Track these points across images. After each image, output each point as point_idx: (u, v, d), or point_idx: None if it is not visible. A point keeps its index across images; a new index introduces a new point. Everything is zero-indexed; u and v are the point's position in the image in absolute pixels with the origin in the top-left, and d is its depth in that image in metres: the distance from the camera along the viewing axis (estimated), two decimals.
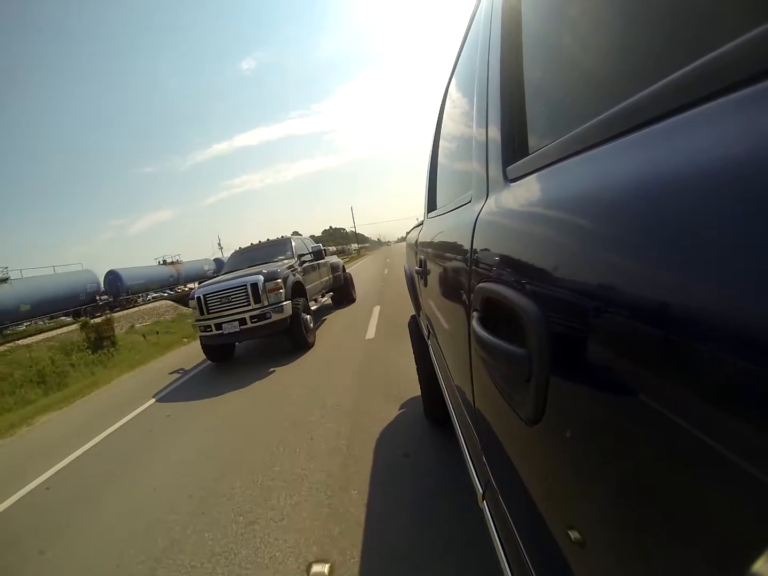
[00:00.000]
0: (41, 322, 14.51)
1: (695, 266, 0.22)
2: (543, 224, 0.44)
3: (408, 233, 2.76)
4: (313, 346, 4.90)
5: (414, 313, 2.43)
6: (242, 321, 4.53)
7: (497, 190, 0.63)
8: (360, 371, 3.65)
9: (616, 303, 0.29)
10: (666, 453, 0.24)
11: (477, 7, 0.92)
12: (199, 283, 5.91)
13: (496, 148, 0.65)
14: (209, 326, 4.68)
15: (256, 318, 4.49)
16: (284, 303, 4.59)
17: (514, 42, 0.62)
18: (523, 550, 0.51)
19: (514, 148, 0.59)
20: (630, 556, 0.30)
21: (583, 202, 0.35)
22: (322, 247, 6.40)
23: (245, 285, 4.56)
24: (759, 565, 0.18)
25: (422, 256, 1.60)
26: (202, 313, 4.73)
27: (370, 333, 4.89)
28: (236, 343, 5.20)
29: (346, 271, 8.05)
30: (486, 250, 0.63)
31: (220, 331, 4.61)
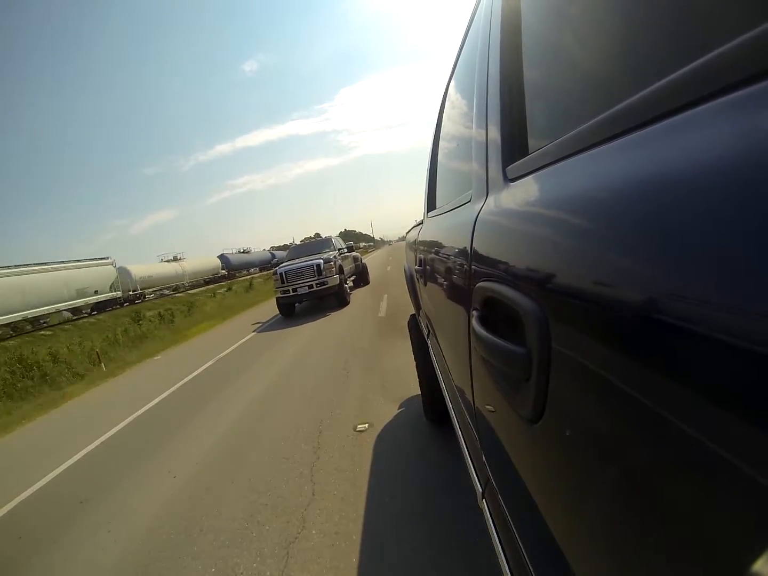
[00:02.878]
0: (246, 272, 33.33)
1: (695, 266, 0.22)
2: (543, 224, 0.44)
3: (407, 233, 2.76)
4: (349, 303, 8.08)
5: (413, 312, 2.43)
6: (310, 286, 7.64)
7: (497, 189, 0.63)
8: (378, 312, 6.53)
9: (616, 302, 0.29)
10: (666, 453, 0.25)
11: (477, 7, 0.92)
12: (276, 265, 9.13)
13: (495, 147, 0.65)
14: (287, 290, 7.80)
15: (319, 284, 7.64)
16: (335, 276, 7.77)
17: (514, 42, 0.62)
18: (522, 549, 0.51)
19: (513, 147, 0.59)
20: (630, 555, 0.30)
21: (582, 201, 0.35)
22: (351, 244, 10.37)
23: (312, 265, 7.71)
24: (759, 565, 0.18)
25: (422, 256, 1.60)
26: (282, 283, 7.84)
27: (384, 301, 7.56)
28: (296, 304, 8.35)
29: (363, 261, 11.45)
30: (486, 249, 0.63)
31: (296, 293, 7.73)
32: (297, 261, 8.23)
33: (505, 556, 0.58)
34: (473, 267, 0.68)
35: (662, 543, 0.26)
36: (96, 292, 17.08)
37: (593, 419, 0.33)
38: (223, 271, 28.40)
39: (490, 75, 0.71)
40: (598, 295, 0.31)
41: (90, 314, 16.74)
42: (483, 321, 0.57)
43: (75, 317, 16.03)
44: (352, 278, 9.84)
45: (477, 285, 0.63)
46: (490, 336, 0.52)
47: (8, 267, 13.88)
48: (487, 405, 0.66)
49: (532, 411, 0.41)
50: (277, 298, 8.06)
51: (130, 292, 19.71)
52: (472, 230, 0.71)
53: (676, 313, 0.23)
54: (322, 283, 7.57)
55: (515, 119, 0.60)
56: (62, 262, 16.12)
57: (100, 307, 17.46)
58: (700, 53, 0.23)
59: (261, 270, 33.70)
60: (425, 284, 1.53)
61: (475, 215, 0.71)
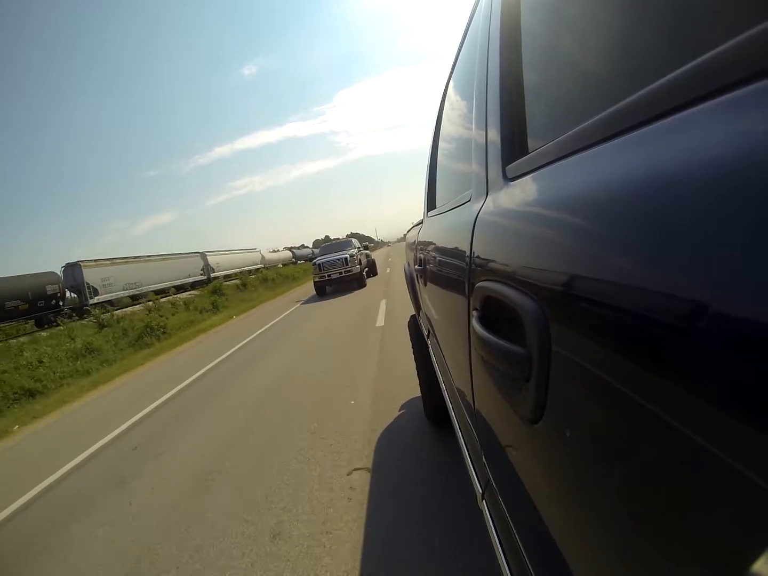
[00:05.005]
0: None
1: (695, 265, 0.22)
2: (543, 223, 0.44)
3: (407, 232, 2.77)
4: (366, 286, 10.88)
5: (414, 313, 2.43)
6: (340, 273, 10.70)
7: (497, 188, 0.63)
8: (385, 287, 9.88)
9: (616, 302, 0.29)
10: (666, 453, 0.24)
11: (476, 6, 0.92)
12: (313, 258, 13.31)
13: (495, 146, 0.65)
14: (323, 276, 10.88)
15: (346, 272, 10.70)
16: (357, 266, 10.94)
17: (513, 41, 0.62)
18: (522, 550, 0.50)
19: (513, 146, 0.59)
20: (630, 556, 0.30)
21: (582, 200, 0.35)
22: (367, 244, 15.31)
23: (341, 258, 10.76)
24: (759, 565, 0.18)
25: (422, 255, 1.60)
26: (319, 270, 10.92)
27: (387, 282, 10.91)
28: (327, 287, 11.26)
29: (372, 257, 15.08)
30: (485, 249, 0.63)
31: (330, 277, 10.81)
32: (328, 255, 11.37)
33: (505, 556, 0.58)
34: (473, 266, 0.68)
35: (662, 543, 0.25)
36: (255, 264, 34.49)
37: (593, 420, 0.33)
38: (293, 260, 46.19)
39: (490, 74, 0.70)
40: (598, 294, 0.31)
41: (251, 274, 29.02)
42: (483, 321, 0.57)
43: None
44: (365, 270, 12.80)
45: (477, 285, 0.62)
46: (490, 336, 0.51)
47: (236, 248, 34.63)
48: (488, 405, 0.66)
49: (532, 411, 0.41)
50: (315, 282, 11.25)
51: (263, 266, 35.13)
52: (471, 230, 0.71)
53: (675, 313, 0.23)
54: (349, 271, 10.77)
55: (515, 118, 0.60)
56: (243, 249, 35.56)
57: (253, 272, 30.14)
58: (699, 53, 0.23)
59: (306, 261, 47.24)
60: (425, 284, 1.53)
61: (475, 214, 0.71)
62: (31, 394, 6.08)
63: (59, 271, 18.46)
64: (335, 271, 10.73)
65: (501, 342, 0.48)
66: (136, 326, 9.44)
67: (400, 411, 2.69)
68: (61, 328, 10.03)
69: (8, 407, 5.62)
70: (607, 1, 0.39)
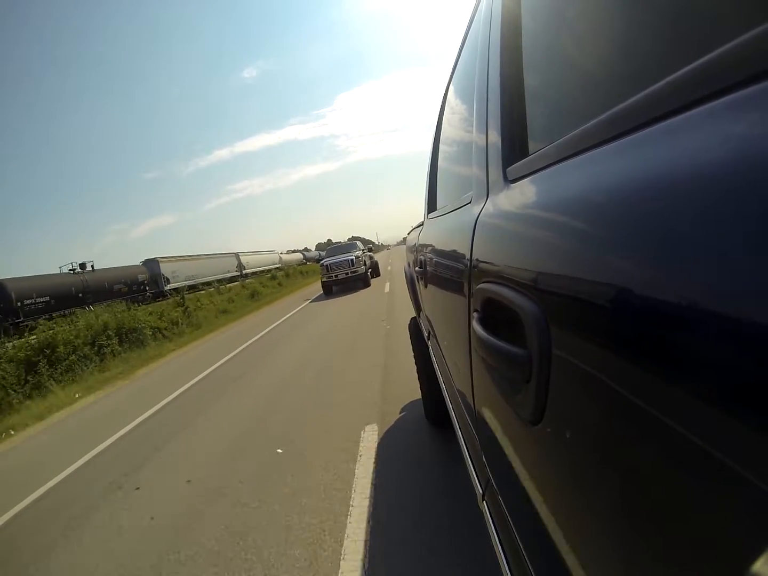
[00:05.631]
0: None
1: (695, 267, 0.22)
2: (543, 225, 0.44)
3: (408, 234, 2.77)
4: (370, 285, 11.80)
5: (414, 315, 2.43)
6: (346, 273, 11.53)
7: (497, 190, 0.63)
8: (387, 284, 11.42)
9: (616, 303, 0.29)
10: (666, 454, 0.24)
11: (476, 9, 0.93)
12: (320, 259, 14.50)
13: (496, 148, 0.66)
14: (331, 276, 11.74)
15: (352, 272, 11.52)
16: (362, 267, 11.75)
17: (514, 44, 0.62)
18: (523, 550, 0.50)
19: (514, 149, 0.60)
20: (630, 556, 0.30)
21: (582, 202, 0.35)
22: (371, 246, 16.44)
23: (348, 259, 11.60)
24: (759, 565, 0.18)
25: (422, 257, 1.60)
26: (327, 271, 11.82)
27: (388, 280, 12.49)
28: (333, 287, 12.17)
29: (375, 259, 16.28)
30: (486, 250, 0.63)
31: (336, 277, 11.65)
32: (335, 257, 12.29)
33: (505, 556, 0.58)
34: (474, 268, 0.68)
35: (662, 544, 0.25)
36: (274, 263, 38.63)
37: (593, 421, 0.33)
38: (304, 261, 49.78)
39: (490, 76, 0.71)
40: (599, 296, 0.31)
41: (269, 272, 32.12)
42: (483, 322, 0.57)
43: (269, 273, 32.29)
44: (369, 270, 13.82)
45: (477, 286, 0.63)
46: (490, 337, 0.51)
47: (261, 250, 40.16)
48: (488, 406, 0.66)
49: (533, 412, 0.41)
50: (322, 282, 12.27)
51: (280, 265, 39.25)
52: (472, 231, 0.71)
53: (675, 315, 0.23)
54: (355, 272, 11.66)
55: (515, 120, 0.60)
56: (266, 251, 40.50)
57: (273, 270, 32.75)
58: (698, 55, 0.23)
59: (314, 262, 52.57)
60: (426, 286, 1.53)
61: (476, 216, 0.71)
62: (225, 312, 12.13)
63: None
64: (342, 271, 11.71)
65: (501, 344, 0.48)
66: (241, 293, 16.10)
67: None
68: (163, 302, 14.84)
69: (216, 317, 11.80)
70: (606, 4, 0.39)
